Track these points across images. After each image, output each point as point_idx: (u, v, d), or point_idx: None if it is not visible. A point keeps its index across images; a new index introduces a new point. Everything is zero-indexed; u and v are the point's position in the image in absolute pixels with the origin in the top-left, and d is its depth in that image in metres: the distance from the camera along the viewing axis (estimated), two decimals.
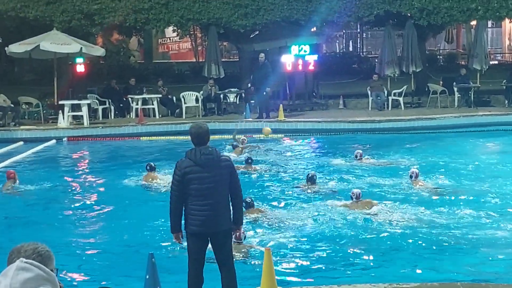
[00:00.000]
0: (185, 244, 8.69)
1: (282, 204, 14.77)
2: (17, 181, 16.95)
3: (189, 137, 8.73)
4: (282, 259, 10.94)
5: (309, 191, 15.83)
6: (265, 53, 28.47)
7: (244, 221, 9.58)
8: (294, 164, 19.97)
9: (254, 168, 18.33)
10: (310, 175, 16.34)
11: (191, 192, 8.34)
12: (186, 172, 8.32)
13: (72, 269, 10.65)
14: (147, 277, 8.50)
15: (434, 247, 11.63)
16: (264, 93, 27.18)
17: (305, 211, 14.04)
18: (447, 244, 11.81)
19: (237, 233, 8.97)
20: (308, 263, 11.04)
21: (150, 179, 17.04)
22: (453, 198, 14.98)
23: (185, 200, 8.39)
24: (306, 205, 14.59)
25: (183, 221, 8.60)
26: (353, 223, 13.09)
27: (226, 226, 8.53)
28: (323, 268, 10.80)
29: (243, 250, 11.06)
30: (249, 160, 18.46)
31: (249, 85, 28.41)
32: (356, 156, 19.40)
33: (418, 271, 10.56)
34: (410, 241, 12.01)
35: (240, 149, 21.20)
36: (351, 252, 11.50)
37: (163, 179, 16.86)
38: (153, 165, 17.44)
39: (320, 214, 13.73)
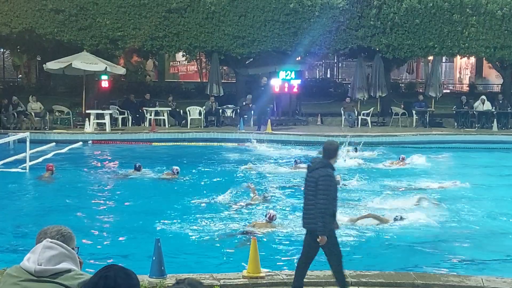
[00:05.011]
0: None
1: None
2: (54, 173, 17.36)
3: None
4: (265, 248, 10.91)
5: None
6: (257, 77, 28.49)
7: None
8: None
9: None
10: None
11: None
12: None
13: (91, 248, 10.60)
14: (154, 258, 8.47)
15: (387, 242, 11.64)
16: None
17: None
18: (395, 239, 11.83)
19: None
20: (286, 251, 11.03)
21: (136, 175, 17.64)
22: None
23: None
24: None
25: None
26: None
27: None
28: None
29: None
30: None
31: (244, 103, 28.37)
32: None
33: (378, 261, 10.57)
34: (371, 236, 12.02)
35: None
36: None
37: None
38: (137, 165, 18.01)
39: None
